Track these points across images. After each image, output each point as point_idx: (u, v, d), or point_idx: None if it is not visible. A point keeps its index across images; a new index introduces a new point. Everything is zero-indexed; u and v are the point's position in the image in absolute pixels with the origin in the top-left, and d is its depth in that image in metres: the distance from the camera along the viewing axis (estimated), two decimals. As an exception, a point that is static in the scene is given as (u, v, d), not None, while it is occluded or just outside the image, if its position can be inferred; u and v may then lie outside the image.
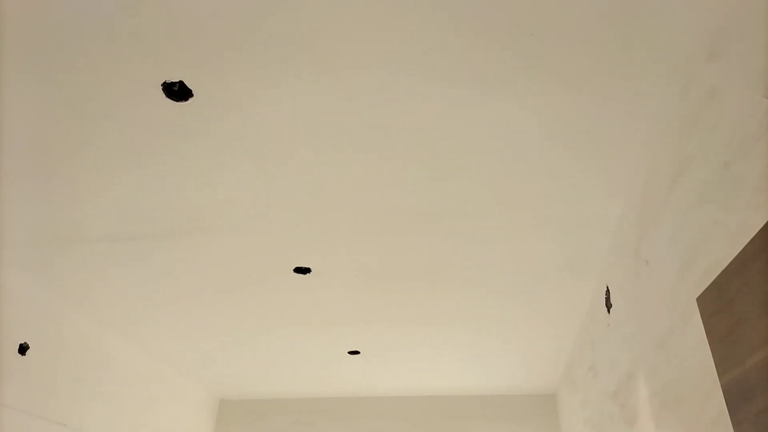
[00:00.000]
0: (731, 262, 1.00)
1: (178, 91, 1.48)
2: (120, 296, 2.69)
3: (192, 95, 1.49)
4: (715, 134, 1.15)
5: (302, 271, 2.45)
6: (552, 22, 1.24)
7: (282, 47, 1.36)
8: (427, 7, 1.25)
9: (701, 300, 1.06)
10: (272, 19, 1.29)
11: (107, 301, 2.74)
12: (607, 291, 2.15)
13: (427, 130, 1.61)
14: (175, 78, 1.45)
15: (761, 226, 0.93)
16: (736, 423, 0.98)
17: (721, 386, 1.05)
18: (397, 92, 1.48)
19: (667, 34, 1.23)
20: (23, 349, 2.45)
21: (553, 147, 1.63)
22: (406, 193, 1.91)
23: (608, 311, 2.16)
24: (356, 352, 3.39)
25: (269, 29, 1.32)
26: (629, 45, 1.27)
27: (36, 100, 1.52)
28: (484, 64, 1.37)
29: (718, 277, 1.00)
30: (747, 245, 0.95)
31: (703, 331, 1.17)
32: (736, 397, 0.96)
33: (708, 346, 1.15)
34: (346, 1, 1.25)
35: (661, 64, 1.31)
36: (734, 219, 1.07)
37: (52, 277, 2.50)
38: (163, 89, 1.47)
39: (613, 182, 1.76)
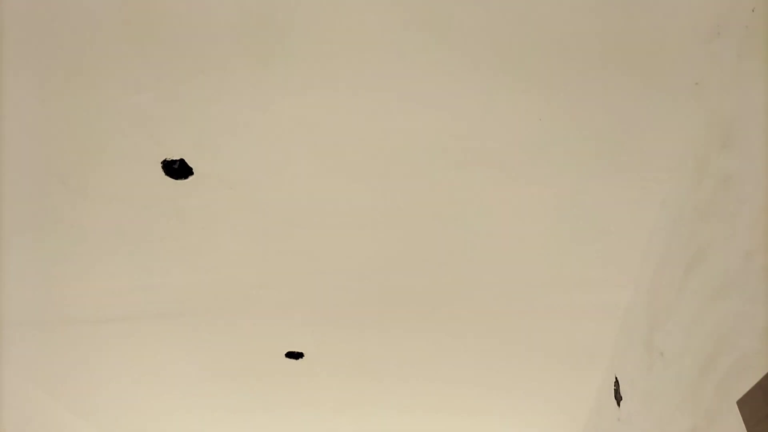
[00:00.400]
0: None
1: (178, 169, 1.44)
2: (101, 382, 2.52)
3: (192, 173, 1.46)
4: (734, 223, 1.11)
5: (294, 356, 2.33)
6: (562, 106, 1.24)
7: (282, 127, 1.35)
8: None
9: (743, 404, 0.98)
10: (276, 103, 1.28)
11: (87, 388, 2.57)
12: (616, 382, 2.05)
13: (432, 213, 1.58)
14: (175, 156, 1.42)
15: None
16: None
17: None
18: (402, 174, 1.46)
19: (678, 122, 1.23)
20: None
21: (559, 231, 1.60)
22: (406, 277, 1.85)
23: (618, 404, 2.05)
24: (349, 442, 3.18)
25: (273, 113, 1.31)
26: (639, 133, 1.27)
27: (25, 177, 1.47)
28: (493, 148, 1.36)
29: (764, 378, 0.92)
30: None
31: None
32: None
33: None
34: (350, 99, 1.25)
35: (672, 151, 1.30)
36: (763, 311, 1.02)
37: (30, 361, 2.35)
38: (163, 167, 1.44)
39: (622, 268, 1.71)
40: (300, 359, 2.35)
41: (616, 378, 2.06)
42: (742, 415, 1.00)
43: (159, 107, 1.30)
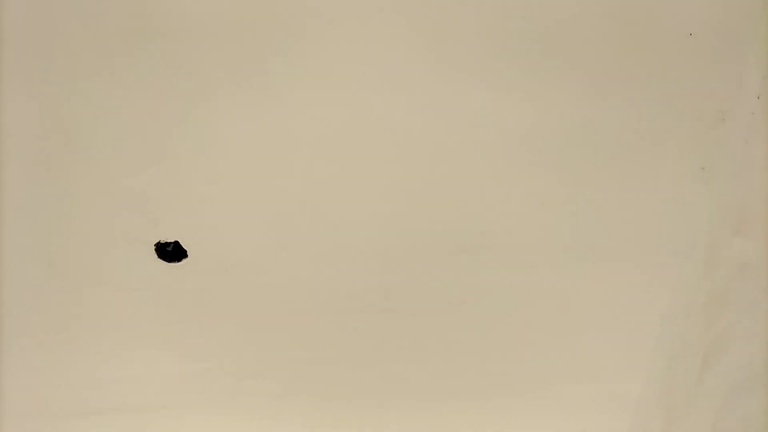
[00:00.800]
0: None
1: (172, 252, 1.40)
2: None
3: (186, 256, 1.41)
4: (754, 312, 1.07)
5: (285, 452, 2.18)
6: (567, 191, 1.23)
7: (279, 209, 1.33)
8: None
9: None
10: (276, 187, 1.27)
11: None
12: (631, 484, 1.91)
13: (436, 299, 1.52)
14: (170, 238, 1.38)
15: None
16: None
17: None
18: (404, 258, 1.43)
19: (686, 207, 1.21)
20: None
21: (567, 319, 1.54)
22: (407, 366, 1.76)
23: (636, 508, 1.89)
24: None
25: (271, 198, 1.29)
26: (646, 218, 1.25)
27: (9, 257, 1.42)
28: (497, 232, 1.33)
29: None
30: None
31: None
32: None
33: None
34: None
35: (681, 236, 1.27)
36: (795, 409, 0.95)
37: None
38: (156, 250, 1.39)
39: (633, 358, 1.64)
40: (291, 456, 2.19)
41: (630, 478, 1.92)
42: None
43: (155, 188, 1.28)
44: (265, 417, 1.99)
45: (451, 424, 2.00)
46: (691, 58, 0.98)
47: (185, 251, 1.40)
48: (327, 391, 1.87)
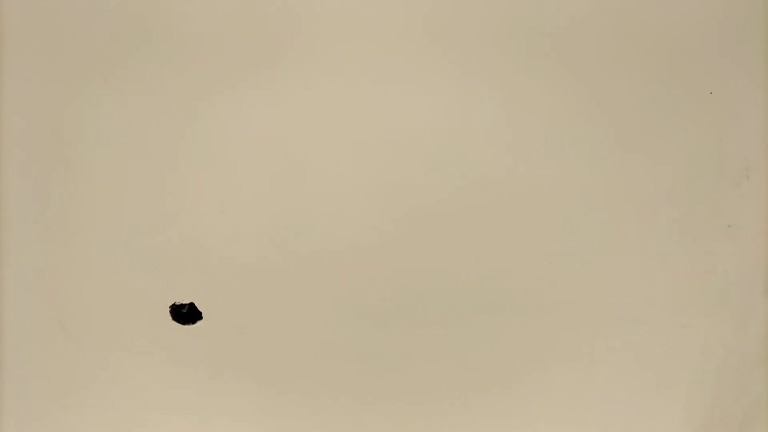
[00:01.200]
0: None
1: (186, 314, 1.37)
2: None
3: (201, 318, 1.38)
4: (793, 375, 1.02)
5: None
6: (585, 250, 1.20)
7: (296, 269, 1.31)
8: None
9: None
10: (291, 242, 1.26)
11: None
12: None
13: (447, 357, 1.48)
14: (185, 300, 1.36)
15: None
16: None
17: None
18: (425, 320, 1.39)
19: (714, 264, 1.18)
20: None
21: (590, 384, 1.48)
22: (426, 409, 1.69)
23: None
24: None
25: (289, 253, 1.28)
26: (674, 281, 1.22)
27: (22, 321, 1.40)
28: (511, 292, 1.30)
29: None
30: None
31: None
32: None
33: None
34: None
35: (710, 295, 1.24)
36: None
37: None
38: (171, 312, 1.37)
39: (663, 425, 1.56)
40: None
41: None
42: None
43: (169, 249, 1.27)
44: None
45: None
46: (714, 115, 0.98)
47: (200, 313, 1.38)
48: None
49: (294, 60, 1.11)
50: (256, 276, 1.33)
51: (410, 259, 1.31)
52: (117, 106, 1.12)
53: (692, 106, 0.98)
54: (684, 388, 1.47)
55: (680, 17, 1.02)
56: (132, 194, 1.20)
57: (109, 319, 1.39)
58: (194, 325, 1.39)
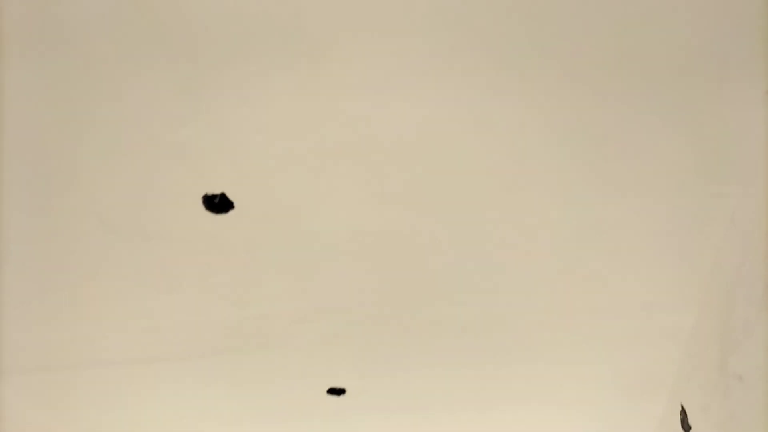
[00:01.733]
0: None
1: (218, 204, 1.40)
2: (141, 424, 2.46)
3: (233, 207, 1.41)
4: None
5: (336, 392, 2.24)
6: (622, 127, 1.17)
7: (325, 155, 1.30)
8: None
9: None
10: (319, 132, 1.24)
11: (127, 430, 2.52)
12: (683, 411, 1.92)
13: (473, 248, 1.51)
14: (216, 190, 1.38)
15: None
16: None
17: None
18: (445, 201, 1.40)
19: (748, 128, 1.14)
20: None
21: (618, 252, 1.51)
22: (453, 305, 1.76)
23: (686, 434, 1.91)
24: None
25: (315, 141, 1.26)
26: (705, 143, 1.19)
27: (63, 217, 1.44)
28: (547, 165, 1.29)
29: None
30: None
31: None
32: None
33: None
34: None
35: (741, 162, 1.21)
36: None
37: (63, 408, 2.31)
38: (203, 202, 1.40)
39: (686, 290, 1.61)
40: (342, 395, 2.26)
41: (682, 407, 1.92)
42: None
43: (200, 139, 1.26)
44: (316, 360, 2.04)
45: (495, 362, 2.01)
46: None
47: (232, 203, 1.40)
48: (373, 333, 1.89)
49: None
50: (286, 165, 1.33)
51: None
52: None
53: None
54: (711, 253, 1.49)
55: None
56: (160, 91, 1.17)
57: (145, 211, 1.43)
58: (226, 215, 1.42)
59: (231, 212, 1.42)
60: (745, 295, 1.38)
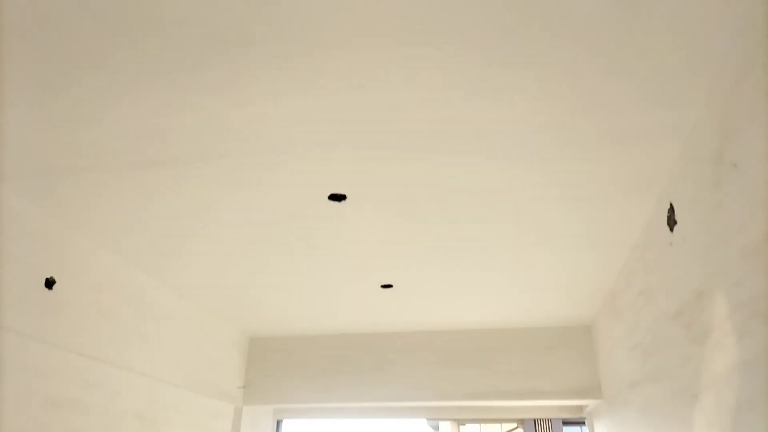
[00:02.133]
0: None
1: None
2: (142, 230, 2.58)
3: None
4: None
5: (338, 198, 2.31)
6: None
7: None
8: None
9: None
10: None
11: (130, 236, 2.64)
12: (671, 209, 2.00)
13: (469, 50, 1.43)
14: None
15: None
16: None
17: None
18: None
19: None
20: (50, 283, 2.36)
21: (619, 40, 1.44)
22: (447, 109, 1.74)
23: (671, 229, 2.02)
24: (389, 286, 3.30)
25: None
26: None
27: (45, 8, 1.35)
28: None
29: None
30: None
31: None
32: None
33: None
34: None
35: None
36: None
37: (68, 209, 2.39)
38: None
39: (690, 84, 1.57)
40: (343, 201, 2.33)
41: (671, 204, 2.00)
42: None
43: None
44: (318, 162, 2.06)
45: (492, 166, 2.03)
46: None
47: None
48: (373, 136, 1.89)
49: None
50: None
51: None
52: None
53: None
54: (720, 46, 1.43)
55: None
56: None
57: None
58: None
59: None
60: (750, 86, 1.35)
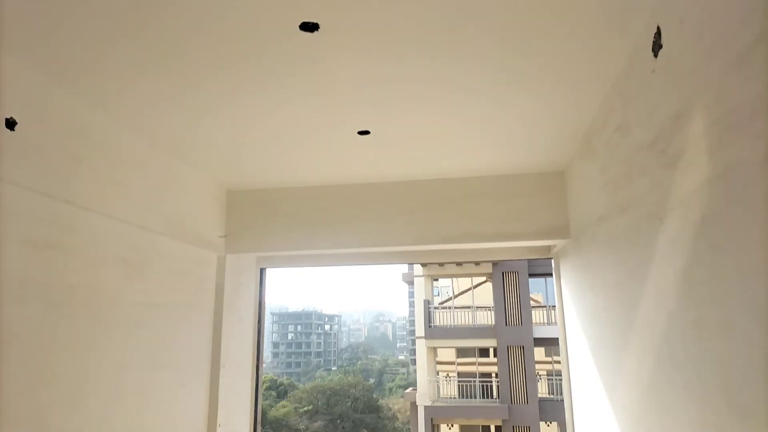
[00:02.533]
0: None
1: None
2: (111, 73, 2.43)
3: None
4: None
5: (309, 28, 2.17)
6: None
7: None
8: None
9: None
10: None
11: (97, 79, 2.49)
12: (657, 32, 1.93)
13: None
14: None
15: None
16: None
17: None
18: None
19: None
20: (11, 123, 2.26)
21: None
22: None
23: (656, 55, 1.96)
24: (366, 132, 3.25)
25: None
26: None
27: None
28: None
29: None
30: None
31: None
32: None
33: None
34: None
35: None
36: None
37: (24, 45, 2.21)
38: None
39: None
40: (315, 32, 2.19)
41: (658, 27, 1.93)
42: None
43: None
44: None
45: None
46: None
47: None
48: None
49: None
50: None
51: None
52: None
53: None
54: None
55: None
56: None
57: None
58: None
59: None
60: None
